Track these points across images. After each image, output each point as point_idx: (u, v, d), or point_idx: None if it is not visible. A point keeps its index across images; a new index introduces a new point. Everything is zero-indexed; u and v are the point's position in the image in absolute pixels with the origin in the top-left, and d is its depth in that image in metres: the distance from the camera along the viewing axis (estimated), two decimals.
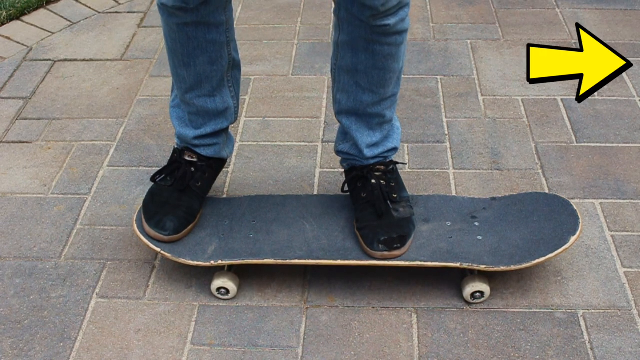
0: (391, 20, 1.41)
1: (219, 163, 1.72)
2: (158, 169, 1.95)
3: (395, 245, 1.53)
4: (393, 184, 1.61)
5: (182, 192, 1.63)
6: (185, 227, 1.59)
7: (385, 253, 1.52)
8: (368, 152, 1.60)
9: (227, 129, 1.69)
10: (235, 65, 1.63)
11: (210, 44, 1.52)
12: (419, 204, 1.67)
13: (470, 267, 1.52)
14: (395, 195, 1.60)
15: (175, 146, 1.69)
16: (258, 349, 1.50)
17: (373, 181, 1.60)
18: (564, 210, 1.61)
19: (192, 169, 1.64)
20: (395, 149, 1.65)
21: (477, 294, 1.55)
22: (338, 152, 1.68)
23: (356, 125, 1.59)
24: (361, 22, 1.41)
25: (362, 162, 1.62)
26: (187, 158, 1.65)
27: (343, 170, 1.70)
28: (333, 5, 1.48)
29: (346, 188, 1.67)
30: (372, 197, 1.59)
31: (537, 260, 1.51)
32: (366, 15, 1.39)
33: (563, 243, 1.54)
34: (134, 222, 1.61)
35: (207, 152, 1.66)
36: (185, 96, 1.59)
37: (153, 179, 1.65)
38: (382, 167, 1.61)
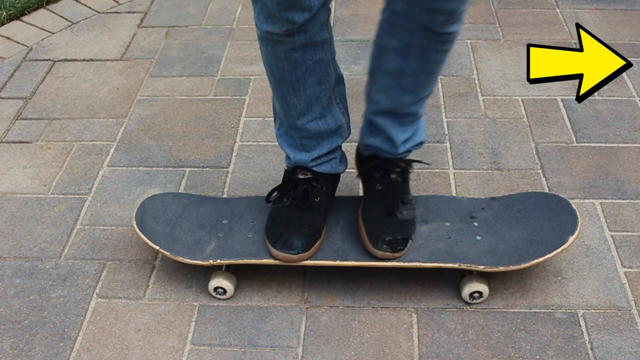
0: (456, 27, 1.36)
1: (335, 177, 1.66)
2: (158, 168, 1.96)
3: (399, 247, 1.52)
4: (406, 184, 1.60)
5: (303, 210, 1.58)
6: (313, 244, 1.54)
7: (387, 254, 1.52)
8: (402, 148, 1.57)
9: (341, 145, 1.64)
10: (340, 80, 1.57)
11: (317, 64, 1.46)
12: (418, 204, 1.67)
13: (468, 268, 1.52)
14: (405, 196, 1.59)
15: (285, 168, 1.64)
16: (258, 349, 1.50)
17: (393, 176, 1.57)
18: (563, 210, 1.61)
19: (309, 186, 1.59)
20: (422, 143, 1.61)
21: (476, 294, 1.55)
22: (366, 145, 1.62)
23: (391, 123, 1.54)
24: (424, 31, 1.35)
25: (389, 155, 1.59)
26: (301, 176, 1.60)
27: (358, 153, 1.66)
28: (383, 8, 1.41)
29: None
30: (387, 192, 1.56)
31: (535, 261, 1.51)
32: (438, 21, 1.33)
33: (562, 243, 1.54)
34: (134, 221, 1.61)
35: (324, 168, 1.61)
36: (297, 122, 1.54)
37: (267, 199, 1.61)
38: (403, 164, 1.59)
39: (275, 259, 1.54)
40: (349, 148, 1.99)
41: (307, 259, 1.54)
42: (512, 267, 1.51)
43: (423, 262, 1.52)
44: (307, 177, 1.60)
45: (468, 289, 1.55)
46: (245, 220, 1.64)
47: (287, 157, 1.63)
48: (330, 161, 1.61)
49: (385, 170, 1.59)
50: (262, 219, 1.64)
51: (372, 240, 1.53)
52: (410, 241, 1.55)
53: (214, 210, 1.67)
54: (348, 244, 1.57)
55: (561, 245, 1.53)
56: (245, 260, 1.54)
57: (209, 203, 1.69)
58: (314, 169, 1.60)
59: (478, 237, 1.58)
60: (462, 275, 1.59)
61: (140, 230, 1.59)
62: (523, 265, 1.51)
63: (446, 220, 1.62)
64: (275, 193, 1.62)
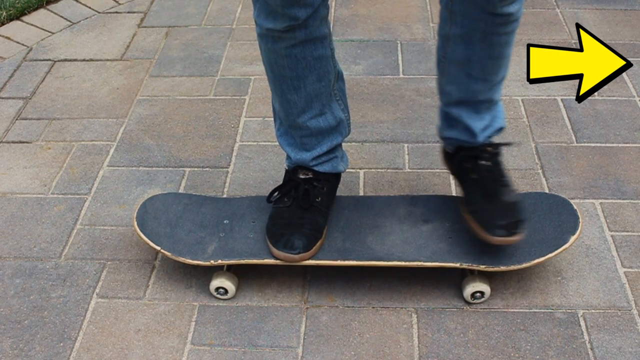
0: (515, 7, 1.35)
1: (336, 177, 1.66)
2: (158, 168, 1.96)
3: (515, 231, 1.48)
4: (500, 167, 1.58)
5: (304, 210, 1.58)
6: (314, 244, 1.54)
7: (506, 238, 1.48)
8: (482, 136, 1.56)
9: (341, 143, 1.64)
10: (340, 77, 1.57)
11: (318, 61, 1.46)
12: (418, 204, 1.67)
13: (470, 267, 1.52)
14: (503, 179, 1.56)
15: (286, 168, 1.65)
16: (258, 349, 1.50)
17: (483, 162, 1.56)
18: (564, 210, 1.61)
19: (310, 186, 1.59)
20: (502, 129, 1.60)
21: (478, 294, 1.55)
22: (445, 139, 1.61)
23: (467, 113, 1.53)
24: (482, 13, 1.35)
25: (472, 144, 1.58)
26: (302, 176, 1.60)
27: (444, 151, 1.66)
28: None
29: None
30: (482, 178, 1.55)
31: (536, 260, 1.51)
32: (494, 1, 1.32)
33: (563, 243, 1.54)
34: (135, 222, 1.61)
35: (325, 168, 1.61)
36: (297, 121, 1.54)
37: (268, 199, 1.61)
38: (490, 149, 1.57)
39: (276, 259, 1.54)
40: (349, 148, 1.99)
41: (308, 259, 1.54)
42: (513, 267, 1.51)
43: (424, 261, 1.52)
44: (308, 177, 1.60)
45: (470, 288, 1.55)
46: (246, 221, 1.64)
47: (288, 157, 1.63)
48: (331, 160, 1.61)
49: (475, 158, 1.57)
50: (263, 219, 1.64)
51: (487, 227, 1.49)
52: (525, 224, 1.51)
53: (215, 211, 1.67)
54: (349, 244, 1.57)
55: (562, 245, 1.53)
56: (246, 261, 1.54)
57: (209, 203, 1.69)
58: (315, 168, 1.60)
59: None
60: (464, 275, 1.59)
61: (142, 231, 1.59)
62: (524, 265, 1.51)
63: (447, 220, 1.62)
64: (276, 193, 1.62)
